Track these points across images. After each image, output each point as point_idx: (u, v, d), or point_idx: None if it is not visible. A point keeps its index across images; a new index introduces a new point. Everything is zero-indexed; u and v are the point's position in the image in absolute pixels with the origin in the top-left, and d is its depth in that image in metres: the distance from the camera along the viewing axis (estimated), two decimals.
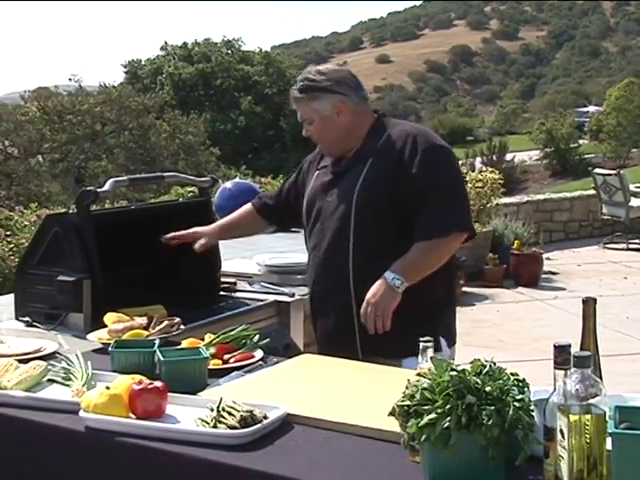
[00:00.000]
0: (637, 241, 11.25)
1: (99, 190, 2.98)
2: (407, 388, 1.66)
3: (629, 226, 11.24)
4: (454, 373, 1.61)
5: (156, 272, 3.09)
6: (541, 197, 12.23)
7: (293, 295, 3.33)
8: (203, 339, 2.55)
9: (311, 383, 2.29)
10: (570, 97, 60.66)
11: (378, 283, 2.63)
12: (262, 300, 3.29)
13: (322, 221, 2.84)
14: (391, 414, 1.67)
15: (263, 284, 3.46)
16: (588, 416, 1.46)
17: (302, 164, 3.11)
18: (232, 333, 2.56)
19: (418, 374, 1.76)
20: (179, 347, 2.44)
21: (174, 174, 3.77)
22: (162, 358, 2.24)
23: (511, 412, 1.56)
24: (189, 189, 9.96)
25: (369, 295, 2.63)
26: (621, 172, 11.67)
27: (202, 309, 3.08)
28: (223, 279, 3.44)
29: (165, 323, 2.62)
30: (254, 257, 3.70)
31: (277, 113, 38.23)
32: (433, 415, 1.56)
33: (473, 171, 10.32)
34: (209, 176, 3.67)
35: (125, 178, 3.43)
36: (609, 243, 11.30)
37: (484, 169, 10.91)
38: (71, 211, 3.20)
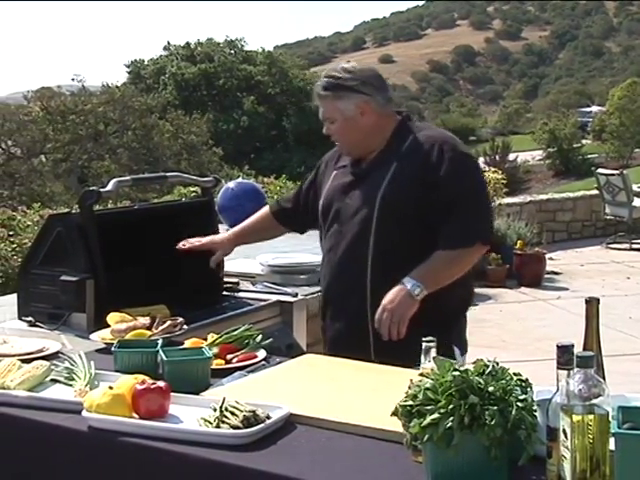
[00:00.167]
0: None
1: (102, 190, 2.98)
2: (410, 388, 1.66)
3: (632, 226, 11.23)
4: (457, 373, 1.61)
5: (159, 272, 3.09)
6: (544, 197, 12.24)
7: (296, 295, 3.33)
8: (206, 339, 2.55)
9: (314, 383, 2.28)
10: (573, 97, 60.69)
11: (396, 289, 2.56)
12: (265, 300, 3.29)
13: (340, 223, 2.77)
14: (394, 414, 1.67)
15: (266, 284, 3.46)
16: (591, 416, 1.46)
17: (320, 163, 3.04)
18: (235, 333, 2.56)
19: (421, 374, 1.76)
20: (182, 347, 2.44)
21: (177, 174, 3.78)
22: (165, 358, 2.24)
23: (514, 412, 1.56)
24: (192, 189, 9.95)
25: (386, 301, 2.56)
26: (624, 172, 11.67)
27: (205, 309, 3.08)
28: (226, 279, 3.43)
29: (168, 323, 2.62)
30: (257, 257, 3.69)
31: (280, 113, 38.21)
32: (436, 415, 1.56)
33: None
34: (212, 176, 3.66)
35: (128, 178, 3.42)
36: (612, 243, 11.29)
37: (487, 169, 10.93)
38: (74, 211, 3.20)
